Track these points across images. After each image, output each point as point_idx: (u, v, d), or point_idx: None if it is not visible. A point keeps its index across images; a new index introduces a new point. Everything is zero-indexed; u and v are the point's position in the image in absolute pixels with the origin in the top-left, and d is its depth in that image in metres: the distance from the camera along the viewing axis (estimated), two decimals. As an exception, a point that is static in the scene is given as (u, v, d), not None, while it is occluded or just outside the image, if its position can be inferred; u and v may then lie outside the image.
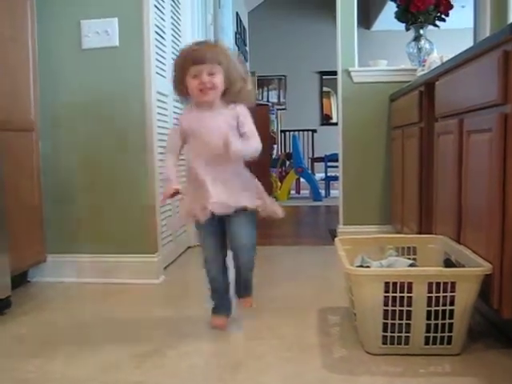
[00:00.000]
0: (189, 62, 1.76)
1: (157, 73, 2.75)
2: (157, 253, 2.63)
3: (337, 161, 3.70)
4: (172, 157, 1.89)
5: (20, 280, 2.52)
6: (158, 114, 2.78)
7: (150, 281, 2.56)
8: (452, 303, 1.55)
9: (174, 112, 3.15)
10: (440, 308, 1.56)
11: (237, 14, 6.35)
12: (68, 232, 2.64)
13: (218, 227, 1.88)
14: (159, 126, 2.77)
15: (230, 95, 1.83)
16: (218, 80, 1.78)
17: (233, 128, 1.80)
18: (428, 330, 1.57)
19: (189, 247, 3.42)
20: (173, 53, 3.11)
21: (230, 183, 1.81)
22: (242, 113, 1.84)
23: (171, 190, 1.82)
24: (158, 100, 2.80)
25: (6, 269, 2.13)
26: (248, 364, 1.61)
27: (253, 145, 1.81)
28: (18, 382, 1.54)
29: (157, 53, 2.79)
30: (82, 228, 2.63)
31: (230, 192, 1.79)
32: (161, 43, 2.91)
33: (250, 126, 1.84)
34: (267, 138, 6.33)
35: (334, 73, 3.61)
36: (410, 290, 1.56)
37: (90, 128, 2.60)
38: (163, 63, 2.94)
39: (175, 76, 1.85)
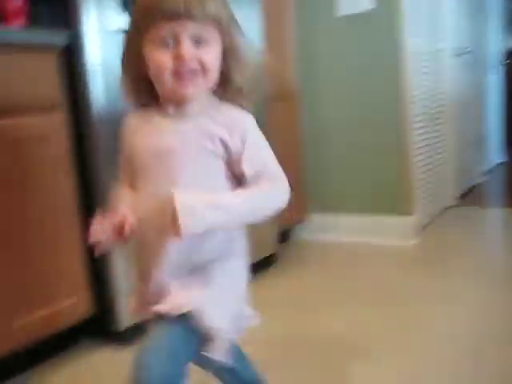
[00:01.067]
0: (155, 11, 0.86)
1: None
2: (413, 214, 2.63)
3: None
4: (122, 188, 1.01)
5: (284, 238, 2.77)
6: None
7: (404, 242, 2.58)
8: None
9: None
10: None
11: None
12: (327, 193, 2.81)
13: None
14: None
15: (225, 89, 0.96)
16: (212, 56, 0.90)
17: (220, 160, 0.92)
18: None
19: (446, 208, 3.31)
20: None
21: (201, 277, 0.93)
22: (249, 132, 0.93)
23: (117, 219, 0.91)
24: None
25: (274, 226, 2.38)
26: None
27: (266, 197, 0.93)
28: (293, 332, 1.74)
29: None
30: (340, 188, 2.78)
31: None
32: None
33: (262, 159, 0.94)
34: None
35: None
36: None
37: (345, 99, 2.69)
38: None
39: (126, 42, 0.94)
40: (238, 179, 0.94)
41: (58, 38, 1.51)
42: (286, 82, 2.64)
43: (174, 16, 0.84)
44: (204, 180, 0.91)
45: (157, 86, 0.92)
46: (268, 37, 2.33)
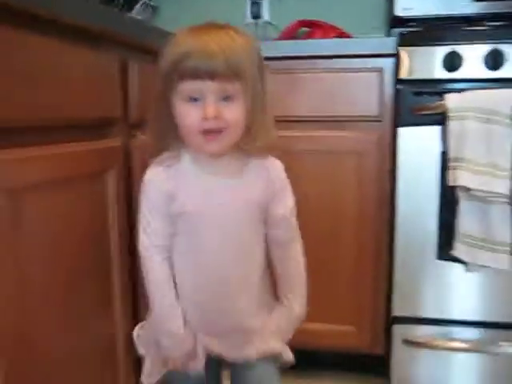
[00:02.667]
0: (180, 69, 0.87)
1: None
2: None
3: None
4: (163, 261, 0.95)
5: None
6: None
7: None
8: None
9: None
10: None
11: None
12: None
13: None
14: None
15: (248, 137, 0.93)
16: (236, 114, 0.89)
17: (263, 209, 0.97)
18: None
19: None
20: None
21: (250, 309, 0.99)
22: (280, 175, 1.00)
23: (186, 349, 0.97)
24: None
25: None
26: None
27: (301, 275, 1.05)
28: None
29: None
30: None
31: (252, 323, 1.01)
32: None
33: (290, 202, 1.01)
34: None
35: None
36: None
37: None
38: None
39: (156, 92, 0.93)
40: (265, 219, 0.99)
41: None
42: None
43: (199, 75, 0.85)
44: (255, 235, 0.98)
45: (186, 139, 0.92)
46: None
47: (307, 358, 1.68)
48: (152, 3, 2.09)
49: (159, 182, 0.92)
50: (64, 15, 0.89)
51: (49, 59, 0.86)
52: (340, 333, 1.58)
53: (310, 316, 1.54)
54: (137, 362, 1.11)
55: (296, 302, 1.03)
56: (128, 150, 1.13)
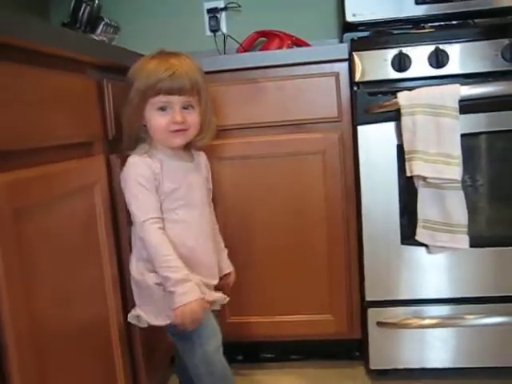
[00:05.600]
0: (156, 88, 1.16)
1: None
2: None
3: None
4: (159, 229, 1.18)
5: None
6: None
7: None
8: None
9: None
10: None
11: None
12: None
13: None
14: None
15: (198, 135, 1.27)
16: (196, 118, 1.23)
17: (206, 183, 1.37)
18: None
19: None
20: None
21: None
22: (207, 161, 1.40)
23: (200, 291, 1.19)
24: None
25: None
26: None
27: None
28: None
29: None
30: None
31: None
32: None
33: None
34: None
35: None
36: None
37: None
38: None
39: (130, 104, 1.20)
40: None
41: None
42: None
43: (172, 92, 1.17)
44: (208, 200, 1.37)
45: (155, 137, 1.22)
46: None
47: (284, 349, 1.81)
48: (113, 23, 2.17)
49: (146, 164, 1.18)
50: (58, 47, 0.99)
51: (38, 86, 0.93)
52: (318, 322, 1.68)
53: (289, 308, 1.67)
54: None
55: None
56: (109, 164, 1.23)
